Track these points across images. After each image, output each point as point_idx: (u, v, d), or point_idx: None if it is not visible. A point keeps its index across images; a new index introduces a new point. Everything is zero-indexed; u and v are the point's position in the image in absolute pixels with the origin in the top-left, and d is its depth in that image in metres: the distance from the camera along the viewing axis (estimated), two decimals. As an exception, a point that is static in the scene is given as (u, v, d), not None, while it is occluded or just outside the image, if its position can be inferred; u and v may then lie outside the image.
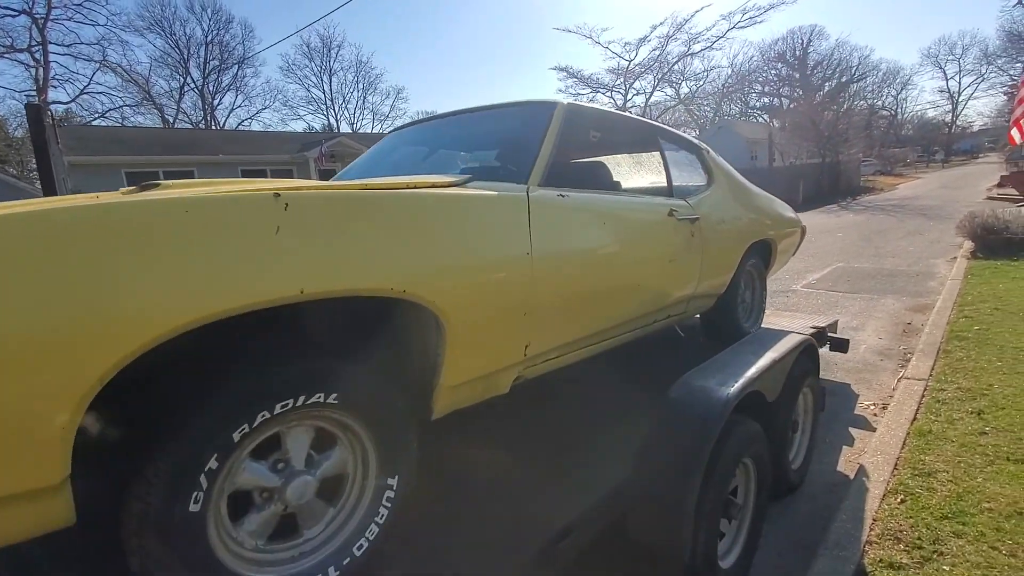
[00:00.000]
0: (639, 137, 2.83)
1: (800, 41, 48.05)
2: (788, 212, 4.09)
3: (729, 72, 46.21)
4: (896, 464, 2.82)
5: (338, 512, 1.44)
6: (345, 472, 1.46)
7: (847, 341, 4.01)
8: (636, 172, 2.88)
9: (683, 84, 45.63)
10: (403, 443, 1.50)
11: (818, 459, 3.08)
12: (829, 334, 4.06)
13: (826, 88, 40.14)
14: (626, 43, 39.51)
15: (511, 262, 1.71)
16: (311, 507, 1.37)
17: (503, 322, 1.72)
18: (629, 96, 36.99)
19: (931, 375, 3.96)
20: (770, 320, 4.24)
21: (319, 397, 1.29)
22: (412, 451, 1.53)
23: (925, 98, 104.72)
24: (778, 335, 2.80)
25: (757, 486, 2.26)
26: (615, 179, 2.96)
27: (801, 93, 40.49)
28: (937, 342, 4.63)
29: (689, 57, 38.23)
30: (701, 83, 45.38)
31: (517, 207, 1.78)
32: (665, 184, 2.82)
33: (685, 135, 3.25)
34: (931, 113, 68.93)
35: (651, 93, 38.82)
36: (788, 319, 4.31)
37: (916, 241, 10.93)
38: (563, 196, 2.00)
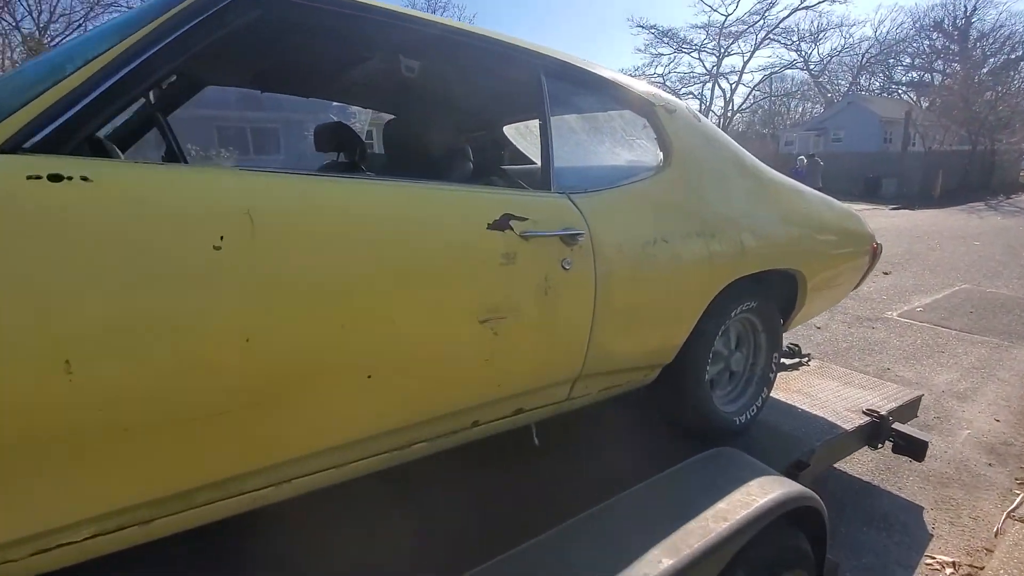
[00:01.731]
0: (484, 71, 1.48)
1: (963, 8, 40.96)
2: (847, 222, 2.50)
3: (873, 40, 40.61)
4: None
5: None
6: None
7: (925, 444, 2.43)
8: (481, 141, 1.55)
9: (814, 49, 40.54)
10: None
11: None
12: (895, 425, 2.49)
13: (990, 64, 34.07)
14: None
15: None
16: None
17: None
18: (724, 59, 33.22)
19: (1075, 521, 2.31)
20: (798, 384, 2.72)
21: None
22: None
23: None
24: (736, 478, 1.42)
25: None
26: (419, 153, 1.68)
27: (958, 68, 34.68)
28: (1096, 447, 2.86)
29: (804, 12, 33.35)
30: (839, 51, 40.00)
31: None
32: (537, 163, 1.48)
33: (620, 78, 1.75)
34: None
35: (751, 55, 34.55)
36: (833, 385, 2.75)
37: (1086, 261, 8.24)
38: (73, 180, 0.79)
